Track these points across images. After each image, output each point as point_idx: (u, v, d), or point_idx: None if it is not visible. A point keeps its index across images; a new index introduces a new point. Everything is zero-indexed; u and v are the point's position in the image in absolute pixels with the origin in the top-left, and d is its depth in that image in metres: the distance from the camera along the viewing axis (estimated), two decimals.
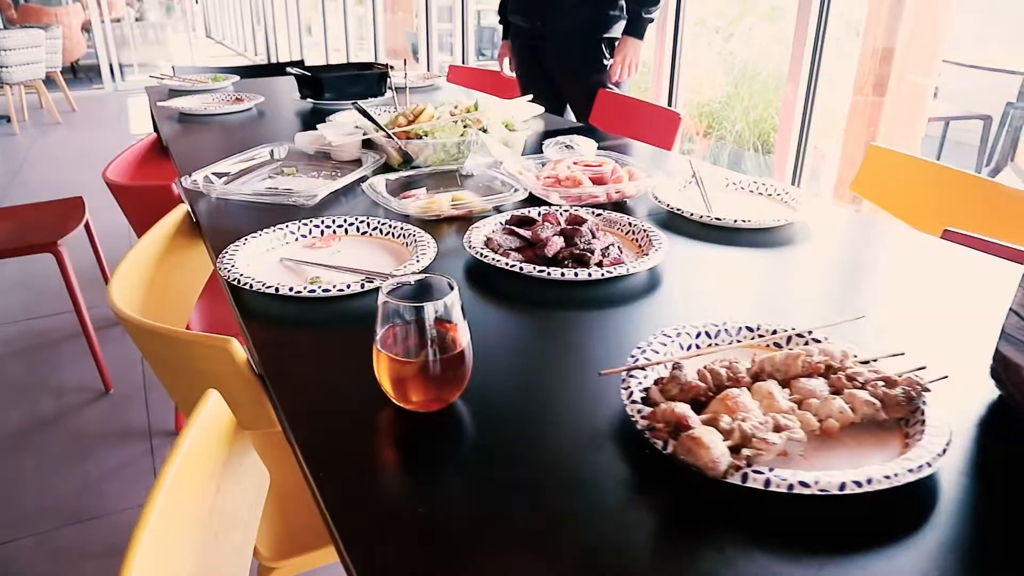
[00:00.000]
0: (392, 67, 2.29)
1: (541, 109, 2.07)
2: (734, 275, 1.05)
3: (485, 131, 1.58)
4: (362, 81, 2.30)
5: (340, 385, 0.74)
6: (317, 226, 1.12)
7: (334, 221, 1.13)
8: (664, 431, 0.60)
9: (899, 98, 2.73)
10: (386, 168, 1.51)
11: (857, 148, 2.84)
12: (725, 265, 1.08)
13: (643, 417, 0.63)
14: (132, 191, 1.52)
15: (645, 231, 1.11)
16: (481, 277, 1.01)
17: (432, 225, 1.19)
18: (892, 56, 2.69)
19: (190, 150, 1.77)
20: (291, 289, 0.88)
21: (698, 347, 0.78)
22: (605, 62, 2.49)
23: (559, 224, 1.09)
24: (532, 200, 1.30)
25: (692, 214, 1.22)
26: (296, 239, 1.10)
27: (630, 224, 1.15)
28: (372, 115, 1.54)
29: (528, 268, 0.97)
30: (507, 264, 0.98)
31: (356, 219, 1.13)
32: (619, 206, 1.32)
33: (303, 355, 0.80)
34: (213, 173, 1.40)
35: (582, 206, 1.29)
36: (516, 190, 1.29)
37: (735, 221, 1.19)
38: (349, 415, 0.69)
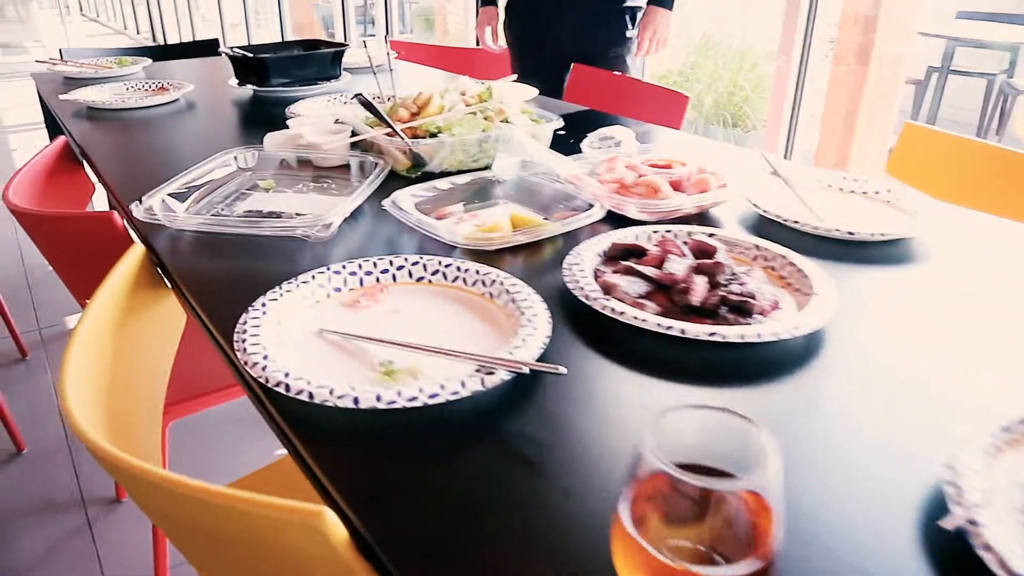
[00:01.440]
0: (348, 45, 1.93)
1: (534, 92, 1.78)
2: (894, 307, 0.81)
3: (506, 122, 1.28)
4: (313, 62, 1.92)
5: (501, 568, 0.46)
6: (354, 273, 0.80)
7: (375, 265, 0.81)
8: None
9: (881, 67, 2.60)
10: (390, 176, 1.19)
11: (838, 119, 2.70)
12: (870, 292, 0.85)
13: None
14: (52, 223, 1.13)
15: (785, 258, 0.86)
16: (594, 332, 0.73)
17: (489, 257, 0.90)
18: (875, 24, 2.55)
19: (119, 160, 1.37)
20: (379, 398, 0.57)
21: None
22: (628, 34, 2.19)
23: (683, 254, 0.82)
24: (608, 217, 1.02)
25: (802, 224, 0.98)
26: (328, 295, 0.78)
27: (757, 248, 0.89)
28: (376, 107, 1.21)
29: (683, 329, 0.69)
30: (649, 323, 0.70)
31: (406, 260, 0.82)
32: (700, 215, 1.06)
33: (420, 510, 0.51)
34: (169, 195, 1.04)
35: (666, 221, 1.02)
36: (589, 205, 1.01)
37: (854, 233, 0.95)
38: None
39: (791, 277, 0.84)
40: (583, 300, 0.75)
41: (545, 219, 1.03)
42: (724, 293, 0.76)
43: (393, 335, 0.71)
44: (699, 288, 0.76)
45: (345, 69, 2.02)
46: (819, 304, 0.75)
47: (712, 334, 0.69)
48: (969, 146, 1.59)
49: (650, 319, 0.70)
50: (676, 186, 1.09)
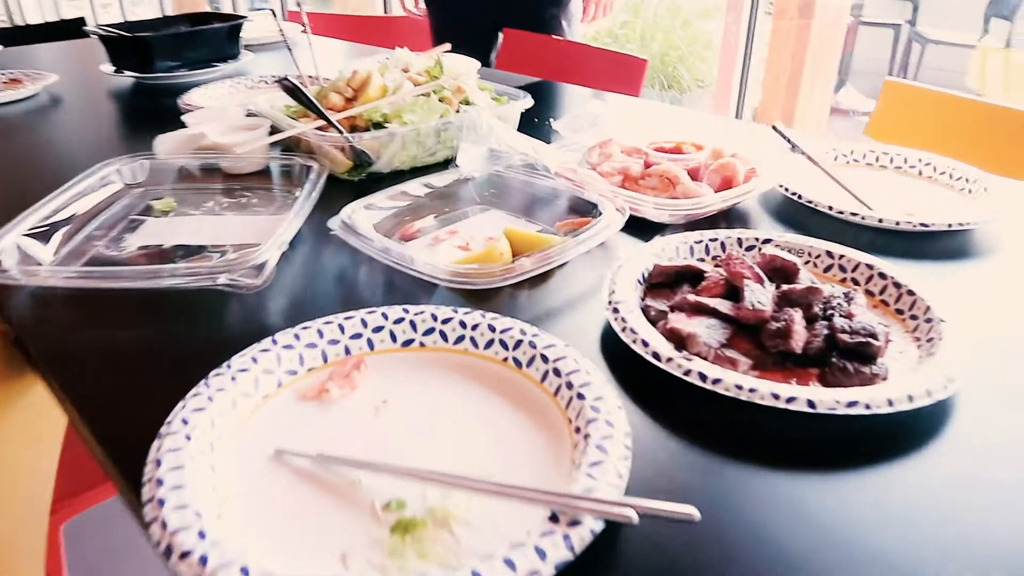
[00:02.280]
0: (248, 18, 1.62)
1: (476, 64, 1.53)
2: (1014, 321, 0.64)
3: (468, 103, 1.04)
4: (206, 40, 1.60)
5: None
6: (313, 344, 0.55)
7: (342, 328, 0.57)
8: None
9: (824, 20, 2.47)
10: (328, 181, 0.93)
11: (781, 76, 2.57)
12: (973, 300, 0.68)
13: None
14: None
15: (873, 268, 0.67)
16: (661, 400, 0.52)
17: (489, 296, 0.67)
18: None
19: None
20: None
21: None
22: None
23: (759, 277, 0.61)
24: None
25: (858, 215, 0.80)
26: (278, 383, 0.53)
27: (831, 255, 0.69)
28: (306, 94, 0.94)
29: (811, 400, 0.49)
30: (763, 395, 0.49)
31: (385, 317, 0.58)
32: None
33: None
34: (28, 235, 0.75)
35: (692, 222, 0.82)
36: (592, 206, 0.79)
37: (929, 225, 0.77)
38: None
39: (885, 294, 0.65)
40: (654, 363, 0.53)
41: (545, 231, 0.81)
42: (828, 331, 0.56)
43: (390, 446, 0.48)
44: (799, 329, 0.56)
45: (245, 47, 1.70)
46: (952, 337, 0.56)
47: (852, 403, 0.49)
48: (954, 102, 1.46)
49: (762, 388, 0.49)
50: (694, 175, 0.88)
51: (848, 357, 0.55)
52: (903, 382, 0.51)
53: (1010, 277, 0.74)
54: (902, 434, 0.50)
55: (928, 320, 0.59)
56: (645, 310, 0.61)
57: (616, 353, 0.58)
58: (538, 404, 0.51)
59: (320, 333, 0.56)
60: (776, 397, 0.49)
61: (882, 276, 0.65)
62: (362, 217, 0.77)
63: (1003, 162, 1.14)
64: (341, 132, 0.91)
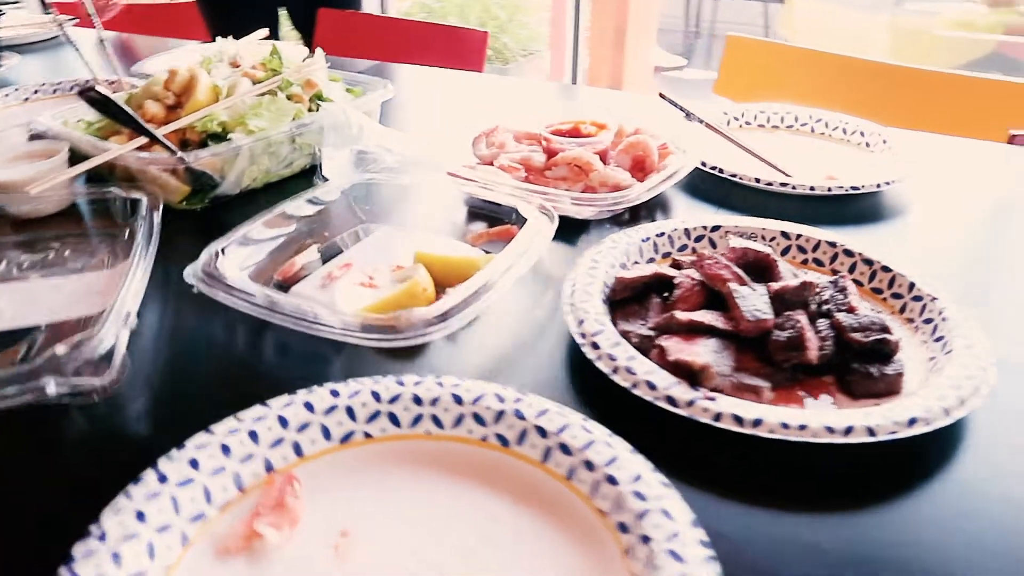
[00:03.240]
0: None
1: (305, 51, 1.33)
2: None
3: (321, 99, 0.87)
4: None
5: None
6: (220, 469, 0.39)
7: (254, 436, 0.41)
8: None
9: None
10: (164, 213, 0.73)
11: (607, 36, 2.55)
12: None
13: None
14: None
15: (836, 246, 0.61)
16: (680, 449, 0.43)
17: (418, 350, 0.54)
18: None
19: None
20: None
21: None
22: None
23: (739, 279, 0.53)
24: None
25: (779, 184, 0.75)
26: (182, 537, 0.37)
27: (785, 236, 0.63)
28: (120, 105, 0.72)
29: (870, 428, 0.41)
30: (787, 430, 0.41)
31: (311, 407, 0.43)
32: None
33: None
34: None
35: (613, 211, 0.73)
36: (518, 216, 0.67)
37: (849, 188, 0.74)
38: None
39: (856, 273, 0.60)
40: (667, 408, 0.43)
41: (457, 249, 0.68)
42: (834, 331, 0.49)
43: None
44: (812, 336, 0.48)
45: (4, 48, 1.37)
46: (956, 317, 0.51)
47: (913, 422, 0.41)
48: (798, 54, 1.49)
49: (813, 423, 0.41)
50: (603, 158, 0.79)
51: (865, 359, 0.48)
52: (941, 383, 0.45)
53: (942, 228, 0.73)
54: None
55: (917, 299, 0.54)
56: (625, 337, 0.50)
57: (586, 387, 0.48)
58: (548, 494, 0.39)
59: (225, 448, 0.40)
60: (831, 431, 0.41)
61: (848, 253, 0.60)
62: (228, 261, 0.59)
63: (860, 111, 1.16)
64: (172, 150, 0.72)
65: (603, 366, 0.47)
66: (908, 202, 0.77)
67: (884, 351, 0.48)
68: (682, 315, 0.49)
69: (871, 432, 0.41)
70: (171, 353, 0.55)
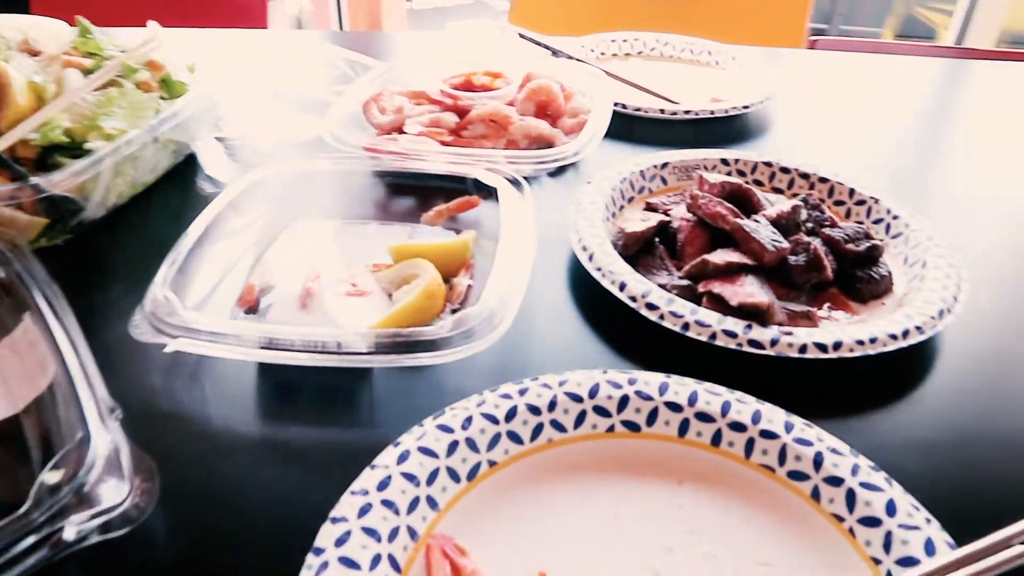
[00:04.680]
0: None
1: (61, 23, 1.08)
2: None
3: (169, 83, 0.72)
4: None
5: None
6: (376, 560, 0.34)
7: (389, 506, 0.35)
8: None
9: None
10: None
11: None
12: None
13: None
14: None
15: (772, 165, 0.66)
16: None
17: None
18: None
19: None
20: None
21: None
22: None
23: (734, 212, 0.55)
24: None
25: (683, 113, 0.79)
26: None
27: (723, 162, 0.67)
28: None
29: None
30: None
31: (402, 459, 0.38)
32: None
33: None
34: None
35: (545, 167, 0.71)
36: (471, 185, 0.63)
37: (742, 108, 0.80)
38: None
39: (795, 187, 0.65)
40: (773, 355, 0.45)
41: (416, 234, 0.62)
42: (829, 245, 0.54)
43: None
44: (824, 254, 0.53)
45: None
46: (905, 218, 0.59)
47: (941, 313, 0.48)
48: None
49: (881, 335, 0.45)
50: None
51: (861, 265, 0.54)
52: (933, 286, 0.52)
53: (819, 136, 0.82)
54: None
55: (860, 203, 0.62)
56: (664, 290, 0.51)
57: (630, 346, 0.49)
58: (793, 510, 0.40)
59: (370, 532, 0.34)
60: (895, 338, 0.46)
61: (784, 170, 0.66)
62: (178, 301, 0.49)
63: (664, 27, 1.24)
64: (21, 175, 0.55)
65: (671, 324, 0.47)
66: (775, 115, 0.85)
67: (874, 255, 0.54)
68: (715, 258, 0.51)
69: (920, 330, 0.46)
70: (176, 432, 0.45)
